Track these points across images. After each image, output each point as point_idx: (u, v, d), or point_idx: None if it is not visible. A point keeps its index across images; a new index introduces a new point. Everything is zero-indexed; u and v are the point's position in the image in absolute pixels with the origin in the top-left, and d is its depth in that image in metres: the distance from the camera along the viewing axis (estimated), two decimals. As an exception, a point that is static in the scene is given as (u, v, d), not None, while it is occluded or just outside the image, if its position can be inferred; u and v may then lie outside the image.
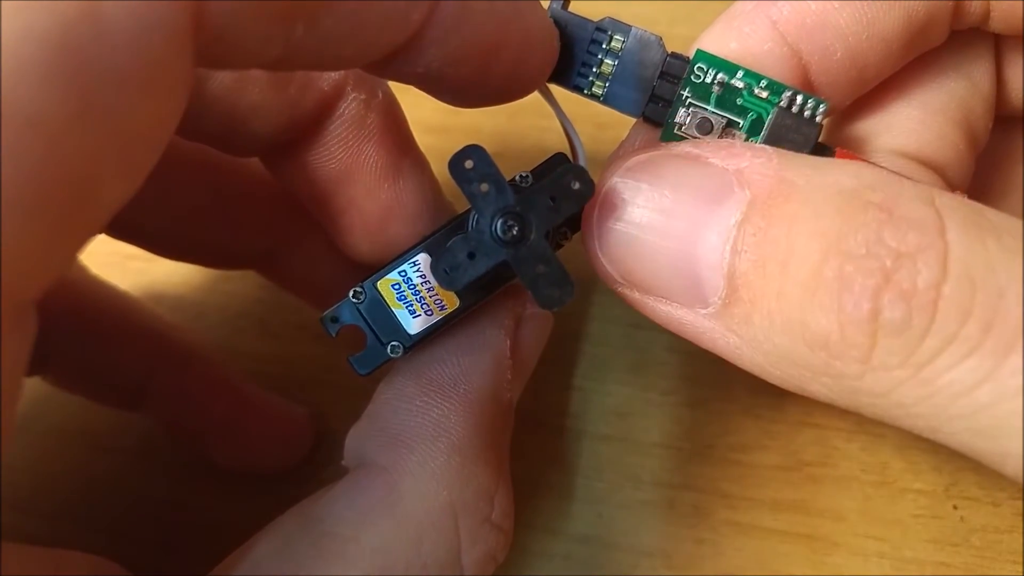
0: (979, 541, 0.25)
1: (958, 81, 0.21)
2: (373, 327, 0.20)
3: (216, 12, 0.13)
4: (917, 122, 0.21)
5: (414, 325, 0.20)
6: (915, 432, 0.15)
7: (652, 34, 0.19)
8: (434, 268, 0.17)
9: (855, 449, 0.26)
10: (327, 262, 0.25)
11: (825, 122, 0.19)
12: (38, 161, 0.11)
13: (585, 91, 0.19)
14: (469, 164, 0.17)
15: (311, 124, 0.20)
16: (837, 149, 0.19)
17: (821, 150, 0.19)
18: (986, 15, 0.20)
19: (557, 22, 0.19)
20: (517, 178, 0.19)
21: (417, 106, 0.22)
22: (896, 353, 0.14)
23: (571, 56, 0.19)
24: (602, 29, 0.19)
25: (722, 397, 0.27)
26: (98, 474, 0.27)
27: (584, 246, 0.18)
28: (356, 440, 0.20)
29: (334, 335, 0.20)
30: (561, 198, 0.17)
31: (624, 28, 0.19)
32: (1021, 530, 0.24)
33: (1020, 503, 0.25)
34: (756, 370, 0.17)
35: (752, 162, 0.16)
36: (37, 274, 0.13)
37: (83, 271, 0.26)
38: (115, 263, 0.29)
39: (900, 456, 0.26)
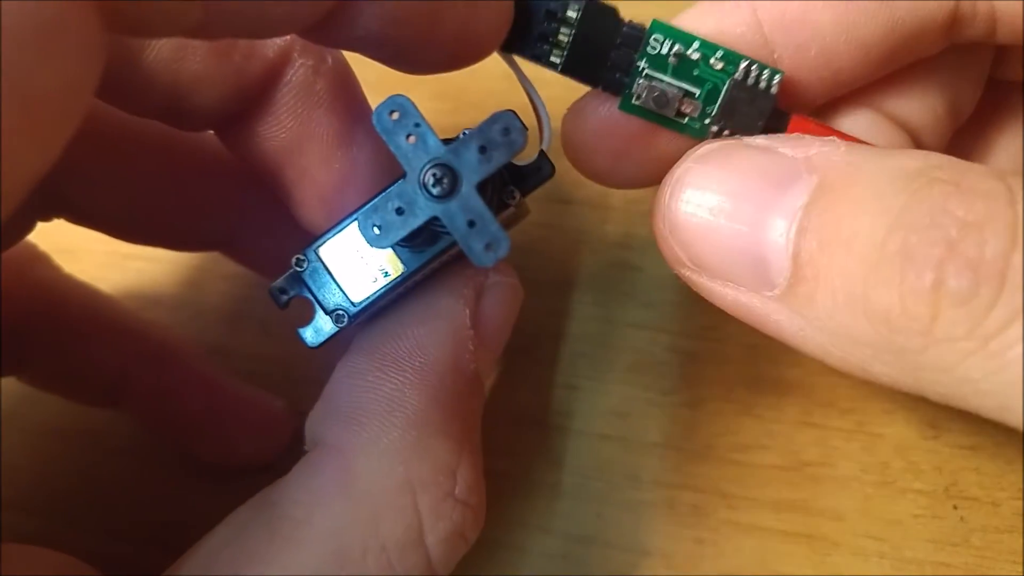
0: (979, 541, 0.25)
1: (954, 50, 0.20)
2: (317, 296, 0.19)
3: None
4: (898, 81, 0.20)
5: (357, 292, 0.19)
6: (983, 414, 0.15)
7: (609, 4, 0.19)
8: (362, 226, 0.16)
9: (855, 449, 0.26)
10: (293, 241, 0.25)
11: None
12: None
13: (542, 60, 0.19)
14: (395, 115, 0.16)
15: (258, 93, 0.20)
16: (793, 116, 0.19)
17: (778, 116, 0.19)
18: (992, 32, 0.19)
19: None
20: (461, 136, 0.18)
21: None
22: (961, 324, 0.14)
23: (528, 25, 0.19)
24: None
25: (722, 397, 0.27)
26: (98, 474, 0.27)
27: (653, 229, 0.18)
28: (312, 422, 0.20)
29: (283, 306, 0.19)
30: (491, 148, 0.16)
31: None
32: (1021, 530, 0.24)
33: (1020, 503, 0.25)
34: (820, 352, 0.17)
35: (820, 150, 0.16)
36: None
37: (55, 270, 0.26)
38: (113, 263, 0.29)
39: (900, 456, 0.26)
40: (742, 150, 0.17)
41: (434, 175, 0.16)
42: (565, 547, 0.25)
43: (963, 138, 0.22)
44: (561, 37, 0.19)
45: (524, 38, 0.19)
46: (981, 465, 0.25)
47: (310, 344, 0.19)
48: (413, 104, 0.16)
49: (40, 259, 0.26)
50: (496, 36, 0.18)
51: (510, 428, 0.22)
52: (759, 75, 0.19)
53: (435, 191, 0.16)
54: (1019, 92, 0.23)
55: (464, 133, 0.18)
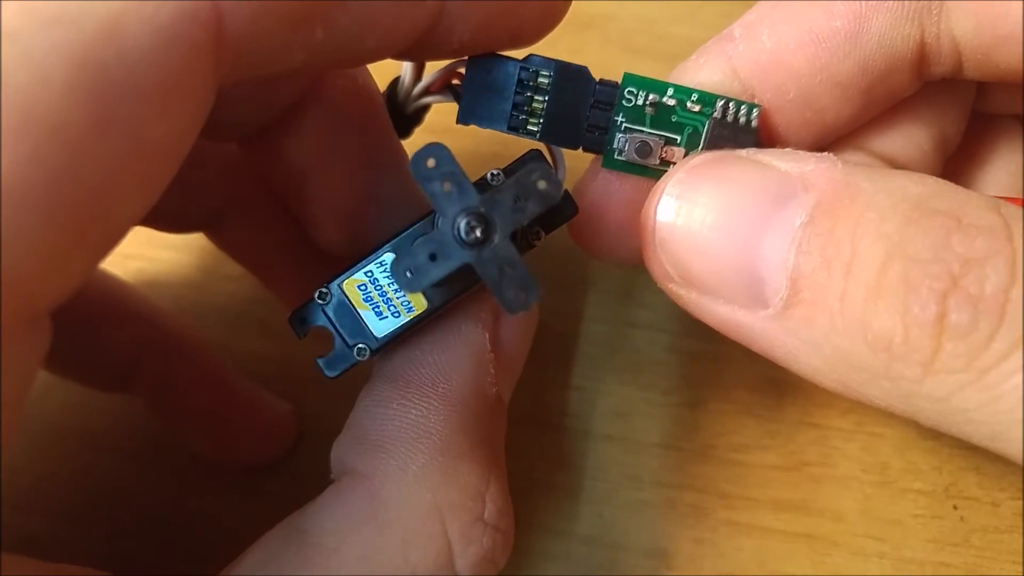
0: (979, 541, 0.25)
1: (936, 85, 0.21)
2: (339, 329, 0.19)
3: (235, 27, 0.13)
4: (882, 120, 0.20)
5: (380, 327, 0.19)
6: (974, 441, 0.15)
7: (578, 65, 0.18)
8: (394, 270, 0.16)
9: (855, 449, 0.26)
10: (275, 228, 0.25)
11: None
12: (57, 167, 0.12)
13: (520, 131, 0.19)
14: (431, 163, 0.16)
15: (287, 111, 0.20)
16: None
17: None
18: (959, 68, 0.19)
19: (481, 67, 0.18)
20: (489, 176, 0.19)
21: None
22: (960, 356, 0.14)
23: (501, 98, 0.19)
24: (526, 67, 0.18)
25: (722, 397, 0.27)
26: (98, 474, 0.27)
27: (640, 242, 0.18)
28: (338, 451, 0.20)
29: (302, 336, 0.20)
30: (527, 199, 0.16)
31: (548, 63, 0.18)
32: (1021, 530, 0.25)
33: (1020, 503, 0.25)
34: (812, 374, 0.17)
35: (817, 166, 0.16)
36: (52, 283, 0.13)
37: None
38: (114, 262, 0.29)
39: (900, 456, 0.26)
40: (736, 162, 0.17)
41: (468, 223, 0.16)
42: (566, 547, 0.25)
43: (951, 170, 0.23)
44: (536, 105, 0.18)
45: (499, 112, 0.19)
46: (981, 465, 0.25)
47: (329, 375, 0.20)
48: (449, 151, 0.16)
49: None
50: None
51: (511, 429, 0.22)
52: (737, 111, 0.19)
53: (469, 239, 0.16)
54: (1002, 122, 0.23)
55: (491, 173, 0.18)
